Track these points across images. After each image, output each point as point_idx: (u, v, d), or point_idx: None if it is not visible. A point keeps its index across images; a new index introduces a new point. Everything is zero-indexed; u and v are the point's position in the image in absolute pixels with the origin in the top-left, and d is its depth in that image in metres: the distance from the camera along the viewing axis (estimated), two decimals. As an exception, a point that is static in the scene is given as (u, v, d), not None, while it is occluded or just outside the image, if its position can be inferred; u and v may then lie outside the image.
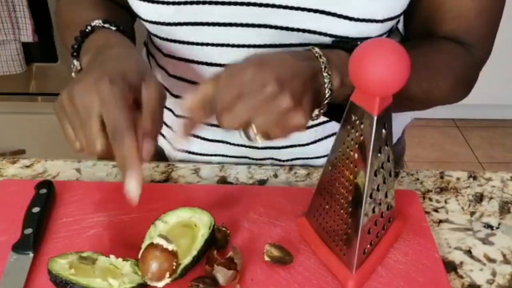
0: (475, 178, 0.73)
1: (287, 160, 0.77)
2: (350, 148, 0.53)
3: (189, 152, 0.79)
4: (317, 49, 0.54)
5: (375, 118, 0.49)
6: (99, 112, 0.49)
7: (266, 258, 0.57)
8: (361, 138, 0.51)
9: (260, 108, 0.49)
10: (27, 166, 0.74)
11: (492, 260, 0.61)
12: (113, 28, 0.62)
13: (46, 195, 0.64)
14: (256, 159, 0.77)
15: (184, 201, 0.63)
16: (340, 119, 0.53)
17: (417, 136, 2.27)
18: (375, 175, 0.52)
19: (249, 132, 0.51)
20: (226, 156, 0.78)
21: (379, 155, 0.52)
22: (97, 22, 0.62)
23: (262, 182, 0.72)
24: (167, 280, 0.53)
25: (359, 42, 0.54)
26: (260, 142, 0.51)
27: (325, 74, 0.53)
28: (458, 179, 0.73)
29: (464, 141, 2.53)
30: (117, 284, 0.52)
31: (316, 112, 0.55)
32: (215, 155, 0.78)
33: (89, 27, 0.61)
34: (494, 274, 0.59)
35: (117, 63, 0.53)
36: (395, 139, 0.85)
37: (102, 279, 0.52)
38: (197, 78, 0.70)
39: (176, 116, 0.77)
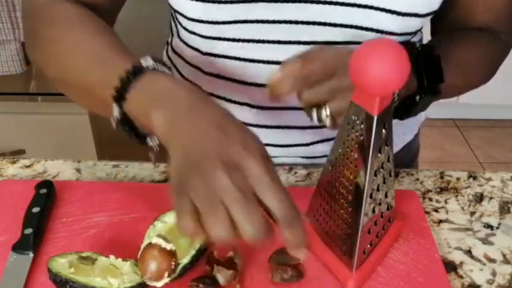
0: (475, 178, 0.73)
1: (320, 157, 0.78)
2: (350, 148, 0.53)
3: None
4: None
5: (375, 118, 0.49)
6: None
7: (276, 280, 0.56)
8: (361, 138, 0.51)
9: (341, 93, 0.52)
10: (27, 166, 0.74)
11: (492, 260, 0.61)
12: (166, 70, 0.52)
13: (46, 195, 0.64)
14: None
15: (184, 201, 0.63)
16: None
17: (417, 136, 2.27)
18: (375, 175, 0.52)
19: (322, 113, 0.54)
20: (278, 156, 0.77)
21: (379, 155, 0.52)
22: (148, 63, 0.51)
23: (262, 182, 0.72)
24: (166, 279, 0.53)
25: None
26: (328, 124, 0.54)
27: None
28: (458, 179, 0.73)
29: (464, 141, 2.53)
30: (117, 283, 0.52)
31: None
32: None
33: (136, 68, 0.50)
34: (494, 274, 0.59)
35: (249, 137, 0.45)
36: (411, 136, 0.85)
37: (102, 278, 0.52)
38: (236, 76, 0.70)
39: None
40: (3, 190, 0.67)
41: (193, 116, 0.46)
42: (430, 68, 0.62)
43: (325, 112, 0.54)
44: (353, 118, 0.52)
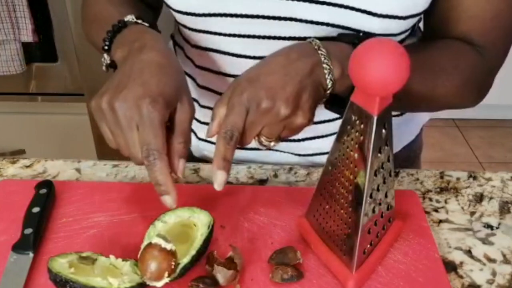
0: (475, 178, 0.73)
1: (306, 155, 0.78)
2: (350, 148, 0.53)
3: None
4: (316, 41, 0.56)
5: (375, 118, 0.49)
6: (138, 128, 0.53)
7: (276, 280, 0.55)
8: (361, 138, 0.51)
9: (262, 123, 0.54)
10: (27, 166, 0.74)
11: (492, 260, 0.61)
12: (146, 25, 0.63)
13: (46, 195, 0.64)
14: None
15: (184, 201, 0.63)
16: (342, 113, 0.54)
17: (417, 136, 2.27)
18: (375, 175, 0.52)
19: (262, 141, 0.56)
20: (253, 149, 0.78)
21: (379, 155, 0.52)
22: (130, 18, 0.62)
23: (262, 182, 0.72)
24: (166, 279, 0.53)
25: (361, 34, 0.60)
26: (272, 145, 0.56)
27: (324, 65, 0.55)
28: (458, 179, 0.73)
29: (464, 141, 2.53)
30: (117, 283, 0.52)
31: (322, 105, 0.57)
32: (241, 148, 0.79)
33: (121, 22, 0.62)
34: (494, 274, 0.59)
35: (158, 78, 0.54)
36: (412, 137, 0.85)
37: (102, 278, 0.52)
38: (222, 69, 0.71)
39: (201, 106, 0.78)
40: (3, 190, 0.67)
41: (132, 60, 0.56)
42: None
43: (263, 140, 0.56)
44: (353, 118, 0.52)
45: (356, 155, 0.52)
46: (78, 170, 0.74)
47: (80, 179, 0.72)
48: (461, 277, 0.58)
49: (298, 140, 0.75)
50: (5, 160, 0.75)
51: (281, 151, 0.78)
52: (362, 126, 0.51)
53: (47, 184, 0.65)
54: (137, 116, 0.52)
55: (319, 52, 0.55)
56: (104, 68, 0.64)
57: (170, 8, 0.67)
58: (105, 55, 0.63)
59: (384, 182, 0.54)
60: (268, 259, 0.57)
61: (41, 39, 1.63)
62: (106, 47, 0.62)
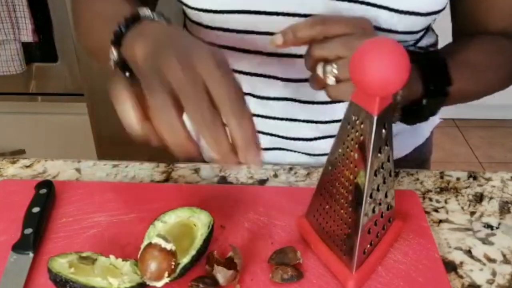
0: (475, 178, 0.73)
1: None
2: (350, 148, 0.53)
3: None
4: None
5: (375, 118, 0.49)
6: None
7: (276, 280, 0.55)
8: (361, 138, 0.51)
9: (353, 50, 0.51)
10: (27, 166, 0.74)
11: (492, 260, 0.61)
12: (164, 22, 0.54)
13: (46, 195, 0.64)
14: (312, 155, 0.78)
15: (184, 201, 0.63)
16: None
17: (417, 136, 2.27)
18: (375, 175, 0.52)
19: (327, 68, 0.53)
20: (282, 149, 0.78)
21: (379, 155, 0.52)
22: (146, 13, 0.53)
23: (262, 182, 0.72)
24: (166, 279, 0.53)
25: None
26: (330, 81, 0.53)
27: None
28: (458, 179, 0.73)
29: (464, 141, 2.53)
30: (117, 283, 0.52)
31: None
32: (270, 148, 0.79)
33: (135, 16, 0.53)
34: (494, 274, 0.59)
35: (214, 51, 0.47)
36: (422, 140, 0.85)
37: (102, 278, 0.52)
38: (237, 67, 0.71)
39: None
40: (3, 190, 0.67)
41: (169, 41, 0.48)
42: (435, 71, 0.61)
43: (332, 67, 0.53)
44: (353, 118, 0.52)
45: (356, 155, 0.52)
46: (78, 170, 0.74)
47: (80, 179, 0.72)
48: (461, 277, 0.58)
49: (309, 139, 0.75)
50: (5, 160, 0.75)
51: (292, 151, 0.78)
52: (362, 126, 0.51)
53: (47, 184, 0.66)
54: (210, 76, 0.43)
55: None
56: (112, 64, 0.54)
57: (188, 6, 0.67)
58: (113, 51, 0.53)
59: (384, 182, 0.54)
60: (268, 259, 0.57)
61: (41, 39, 1.63)
62: (114, 41, 0.53)
